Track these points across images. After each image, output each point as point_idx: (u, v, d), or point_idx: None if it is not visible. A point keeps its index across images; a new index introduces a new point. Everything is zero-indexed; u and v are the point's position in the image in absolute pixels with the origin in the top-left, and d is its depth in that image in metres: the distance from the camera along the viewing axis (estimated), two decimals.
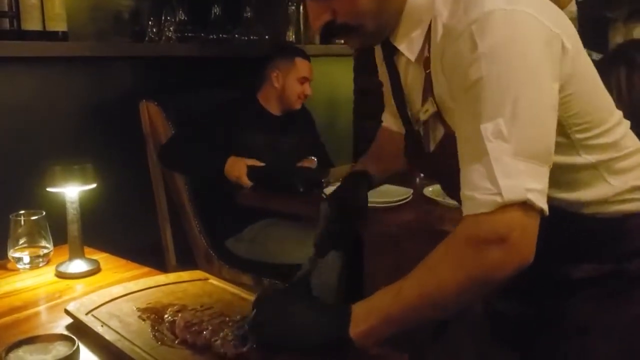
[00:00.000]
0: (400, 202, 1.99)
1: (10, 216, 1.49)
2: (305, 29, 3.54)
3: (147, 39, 2.65)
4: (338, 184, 2.16)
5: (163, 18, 2.67)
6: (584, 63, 1.06)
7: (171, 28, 2.67)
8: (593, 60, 2.62)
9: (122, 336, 1.09)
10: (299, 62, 2.61)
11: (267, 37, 3.08)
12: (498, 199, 0.90)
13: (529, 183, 0.92)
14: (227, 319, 1.12)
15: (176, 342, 1.08)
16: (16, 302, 1.32)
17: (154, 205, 2.57)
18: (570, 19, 2.59)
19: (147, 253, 1.98)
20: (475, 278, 0.92)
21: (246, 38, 2.98)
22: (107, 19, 2.62)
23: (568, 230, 1.07)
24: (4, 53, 2.18)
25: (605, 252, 1.11)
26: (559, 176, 1.01)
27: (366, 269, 2.01)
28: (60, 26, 2.32)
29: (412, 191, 2.05)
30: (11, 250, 1.49)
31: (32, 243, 1.51)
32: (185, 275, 1.38)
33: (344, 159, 3.05)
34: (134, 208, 2.54)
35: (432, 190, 2.04)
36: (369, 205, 1.89)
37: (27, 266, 1.50)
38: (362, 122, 3.08)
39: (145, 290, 1.30)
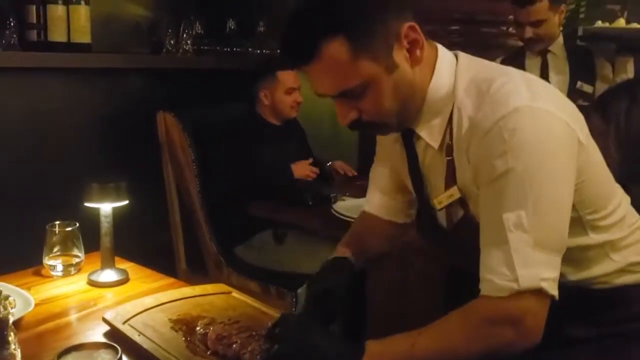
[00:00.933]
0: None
1: (47, 226, 1.60)
2: None
3: (164, 51, 2.76)
4: (347, 198, 2.30)
5: (181, 31, 2.78)
6: (592, 152, 1.15)
7: (189, 41, 2.78)
8: (588, 94, 2.71)
9: (159, 346, 1.21)
10: (282, 75, 2.68)
11: (278, 51, 3.19)
12: (515, 285, 1.01)
13: (544, 272, 1.02)
14: (254, 333, 1.23)
15: (208, 353, 1.19)
16: (55, 308, 1.43)
17: (163, 211, 2.67)
18: (561, 51, 2.69)
19: (156, 257, 2.07)
20: (487, 351, 1.04)
21: (259, 52, 3.09)
22: (125, 31, 2.73)
23: (573, 299, 1.13)
24: (31, 64, 2.29)
25: (607, 317, 1.21)
26: (569, 255, 1.09)
27: (369, 285, 2.11)
28: (84, 38, 2.44)
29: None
30: (46, 258, 1.60)
31: (65, 252, 1.62)
32: (209, 288, 1.50)
33: None
34: (146, 214, 2.64)
35: None
36: None
37: (60, 273, 1.61)
38: (366, 136, 3.17)
39: (174, 302, 1.41)
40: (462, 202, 1.17)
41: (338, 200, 2.27)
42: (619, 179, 1.28)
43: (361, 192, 2.44)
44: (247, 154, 2.54)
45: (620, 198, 1.23)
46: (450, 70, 1.15)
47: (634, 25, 2.79)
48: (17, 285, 1.48)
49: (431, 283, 1.93)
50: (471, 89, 1.11)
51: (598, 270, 1.20)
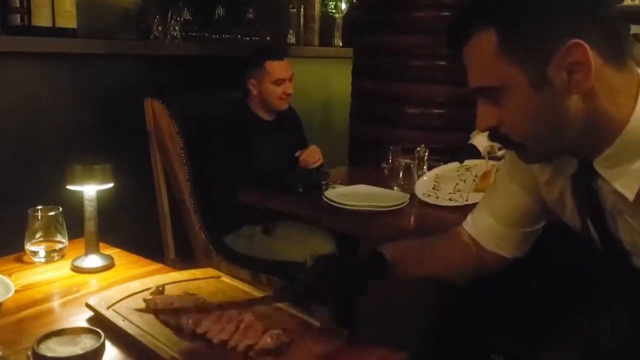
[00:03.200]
0: (398, 207, 2.06)
1: (29, 211, 1.55)
2: (305, 30, 3.61)
3: (152, 37, 2.70)
4: (338, 185, 2.27)
5: (169, 17, 2.73)
6: None
7: (177, 27, 2.72)
8: None
9: (144, 331, 1.16)
10: (269, 65, 2.56)
11: (268, 38, 3.15)
12: None
13: None
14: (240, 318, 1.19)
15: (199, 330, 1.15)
16: (36, 294, 1.38)
17: (152, 199, 2.63)
18: None
19: (144, 246, 2.03)
20: None
21: (248, 39, 3.04)
22: (113, 17, 2.67)
23: None
24: (14, 48, 2.23)
25: None
26: None
27: None
28: (69, 23, 2.38)
29: (408, 196, 2.13)
30: (28, 244, 1.55)
31: (48, 237, 1.57)
32: (198, 272, 1.45)
33: (339, 162, 3.11)
34: (133, 202, 2.60)
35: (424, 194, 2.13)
36: (367, 208, 1.98)
37: (43, 259, 1.56)
38: (358, 125, 3.14)
39: None
40: None
41: (329, 188, 2.23)
42: None
43: (353, 179, 2.44)
44: (235, 151, 2.48)
45: None
46: None
47: None
48: None
49: None
50: None
51: None
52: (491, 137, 1.06)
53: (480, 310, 1.59)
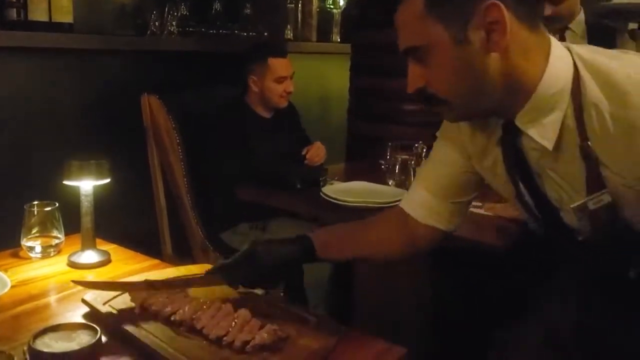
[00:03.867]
0: (396, 203, 2.05)
1: (25, 206, 1.54)
2: (303, 26, 3.60)
3: (149, 32, 2.69)
4: (336, 182, 2.26)
5: (166, 13, 2.71)
6: None
7: (174, 23, 2.71)
8: None
9: (141, 327, 1.16)
10: (272, 62, 2.55)
11: (265, 33, 3.14)
12: None
13: None
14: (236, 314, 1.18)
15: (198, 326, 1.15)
16: (32, 290, 1.38)
17: (149, 195, 2.62)
18: (580, 29, 2.63)
19: (141, 241, 2.03)
20: None
21: (245, 34, 3.03)
22: (110, 12, 2.66)
23: None
24: (10, 43, 2.21)
25: None
26: None
27: (356, 269, 2.08)
28: (66, 18, 2.37)
29: (406, 192, 2.12)
30: (24, 239, 1.55)
31: (44, 233, 1.56)
32: (195, 269, 1.45)
33: (337, 158, 3.11)
34: (130, 197, 2.59)
35: None
36: (365, 205, 1.98)
37: (39, 255, 1.56)
38: (356, 121, 3.13)
39: None
40: (610, 206, 1.08)
41: (327, 184, 2.23)
42: None
43: (351, 176, 2.43)
44: (233, 148, 2.47)
45: None
46: (566, 63, 1.06)
47: None
48: None
49: (417, 267, 1.89)
50: (605, 83, 1.03)
51: None
52: (419, 98, 1.12)
53: (479, 306, 1.59)
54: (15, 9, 2.27)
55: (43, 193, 1.65)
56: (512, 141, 1.15)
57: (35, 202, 1.55)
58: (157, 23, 2.70)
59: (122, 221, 2.36)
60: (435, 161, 1.36)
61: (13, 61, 2.27)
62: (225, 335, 1.11)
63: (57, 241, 1.57)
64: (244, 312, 1.18)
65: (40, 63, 2.36)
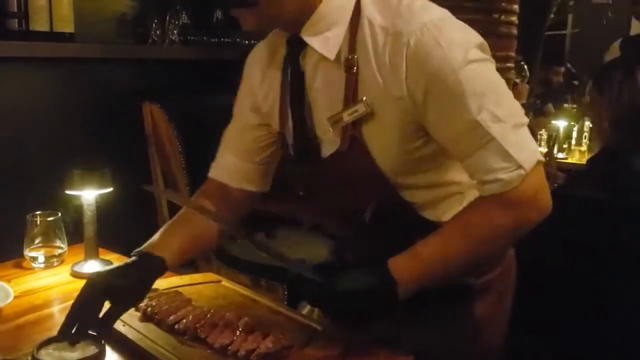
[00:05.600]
0: None
1: (27, 216, 1.54)
2: None
3: (150, 41, 2.70)
4: None
5: (167, 21, 2.72)
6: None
7: (175, 31, 2.71)
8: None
9: (145, 336, 1.15)
10: None
11: None
12: (522, 172, 1.05)
13: (532, 145, 1.08)
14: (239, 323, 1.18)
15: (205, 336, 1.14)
16: (36, 300, 1.37)
17: (151, 203, 2.61)
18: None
19: None
20: (514, 240, 1.16)
21: (247, 42, 3.03)
22: (111, 21, 2.66)
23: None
24: (12, 53, 2.22)
25: None
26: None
27: None
28: (67, 27, 2.36)
29: None
30: (27, 250, 1.54)
31: (47, 242, 1.56)
32: (198, 277, 1.45)
33: None
34: (132, 206, 2.59)
35: None
36: None
37: (42, 265, 1.55)
38: None
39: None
40: (357, 122, 1.13)
41: None
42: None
43: None
44: None
45: None
46: None
47: None
48: None
49: None
50: (378, 2, 1.12)
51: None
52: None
53: None
54: (16, 20, 2.28)
55: (45, 203, 1.65)
56: (294, 59, 1.19)
57: (38, 212, 1.55)
58: (158, 31, 2.70)
59: (125, 230, 2.35)
60: (235, 124, 1.40)
61: (15, 71, 2.28)
62: (229, 344, 1.11)
63: (60, 251, 1.57)
64: (248, 321, 1.17)
65: (42, 73, 2.36)
